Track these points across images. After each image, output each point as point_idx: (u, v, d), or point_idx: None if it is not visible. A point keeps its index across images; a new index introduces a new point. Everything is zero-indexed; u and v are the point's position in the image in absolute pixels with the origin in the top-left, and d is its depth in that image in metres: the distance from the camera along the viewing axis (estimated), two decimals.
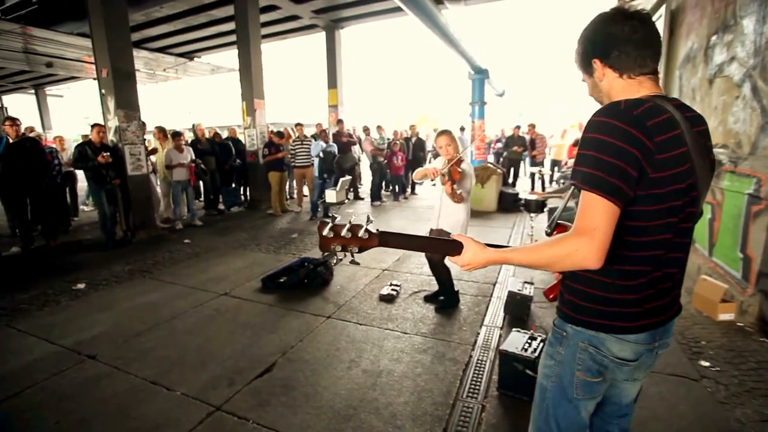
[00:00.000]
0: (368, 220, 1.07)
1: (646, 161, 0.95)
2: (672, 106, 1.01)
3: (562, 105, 25.58)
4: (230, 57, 13.20)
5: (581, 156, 1.01)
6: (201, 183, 7.78)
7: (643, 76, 1.04)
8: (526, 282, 3.22)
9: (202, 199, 8.13)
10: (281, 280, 3.67)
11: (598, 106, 1.04)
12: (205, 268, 4.27)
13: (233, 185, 8.12)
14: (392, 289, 3.48)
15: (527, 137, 9.75)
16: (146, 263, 4.46)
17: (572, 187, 1.10)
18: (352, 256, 1.04)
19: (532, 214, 4.53)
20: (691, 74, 3.63)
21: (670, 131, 0.97)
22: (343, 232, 1.01)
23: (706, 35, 3.34)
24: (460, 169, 2.87)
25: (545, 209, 4.67)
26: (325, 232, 1.00)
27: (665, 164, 0.96)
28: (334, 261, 1.14)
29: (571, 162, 8.30)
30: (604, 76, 1.06)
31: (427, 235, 3.03)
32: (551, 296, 1.26)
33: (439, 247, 1.09)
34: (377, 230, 1.05)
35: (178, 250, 4.94)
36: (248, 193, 8.44)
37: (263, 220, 6.85)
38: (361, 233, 1.02)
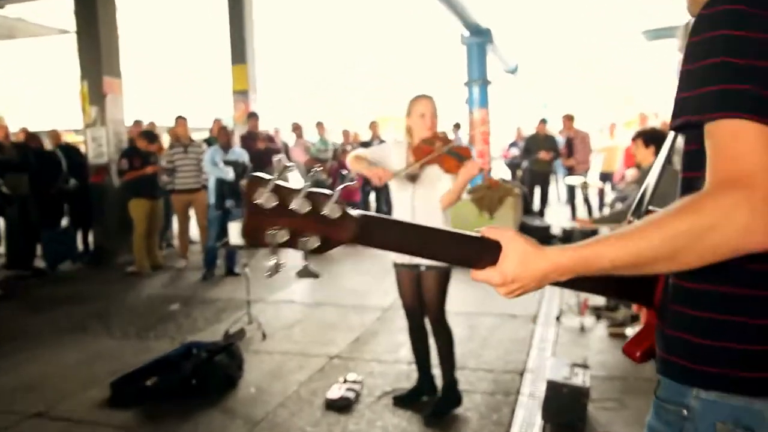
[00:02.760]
0: (335, 200, 0.92)
1: None
2: None
3: (609, 90, 27.44)
4: (60, 9, 12.81)
5: (690, 74, 1.00)
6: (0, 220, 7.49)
7: None
8: (576, 365, 3.27)
9: (1, 248, 7.90)
10: (148, 384, 3.63)
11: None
12: (7, 371, 4.20)
13: (63, 224, 7.95)
14: (348, 390, 3.52)
15: (560, 138, 10.23)
16: None
17: (639, 204, 1.08)
18: (306, 255, 0.93)
19: None
20: None
21: None
22: (295, 203, 0.88)
23: None
24: (454, 156, 3.00)
25: None
26: (261, 197, 0.86)
27: None
28: (269, 272, 1.02)
29: (631, 174, 8.70)
30: None
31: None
32: (639, 353, 1.22)
33: (458, 251, 1.02)
34: (356, 211, 0.94)
35: None
36: (91, 238, 8.28)
37: (119, 285, 6.77)
38: (327, 209, 0.89)
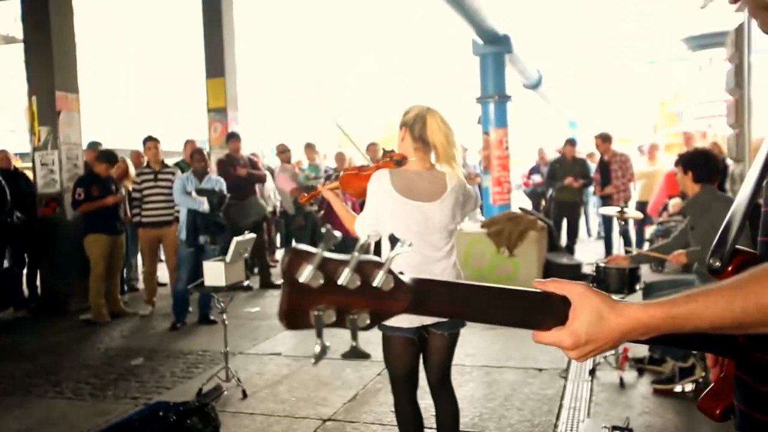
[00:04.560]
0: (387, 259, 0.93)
1: None
2: None
3: (648, 108, 27.72)
4: (4, 13, 12.94)
5: None
6: None
7: None
8: (616, 428, 3.22)
9: None
10: None
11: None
12: None
13: (6, 264, 7.92)
14: None
15: (590, 164, 10.29)
16: None
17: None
18: (354, 336, 0.93)
19: (615, 297, 4.71)
20: None
21: None
22: (343, 278, 0.89)
23: None
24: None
25: (638, 286, 4.82)
26: (306, 275, 0.87)
27: None
28: (313, 358, 1.01)
29: (674, 204, 8.74)
30: None
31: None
32: (719, 410, 1.24)
33: (522, 311, 1.05)
34: (409, 277, 0.97)
35: None
36: (39, 281, 8.25)
37: (71, 335, 6.74)
38: (378, 280, 0.91)
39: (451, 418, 3.14)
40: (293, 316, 0.88)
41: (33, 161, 8.11)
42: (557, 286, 1.04)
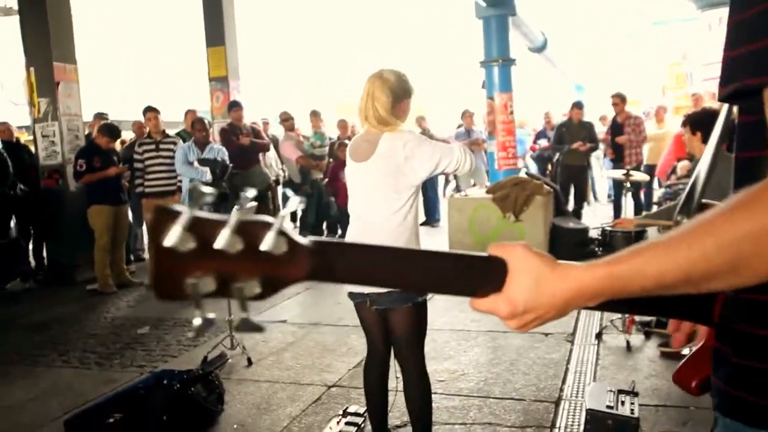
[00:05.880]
0: (281, 218, 0.84)
1: None
2: None
3: (656, 70, 27.37)
4: None
5: (743, 26, 0.93)
6: None
7: None
8: (622, 392, 3.24)
9: None
10: (110, 421, 3.57)
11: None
12: None
13: (12, 236, 8.00)
14: (348, 425, 3.52)
15: (599, 126, 10.19)
16: None
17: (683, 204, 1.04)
18: (244, 305, 0.82)
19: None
20: None
21: None
22: (221, 241, 0.77)
23: None
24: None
25: None
26: (173, 238, 0.75)
27: None
28: (194, 332, 0.83)
29: (682, 166, 8.65)
30: None
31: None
32: (695, 382, 1.15)
33: (449, 277, 0.93)
34: (308, 239, 0.84)
35: None
36: (45, 252, 8.33)
37: (77, 306, 6.80)
38: (267, 243, 0.80)
39: (421, 401, 3.05)
40: (164, 285, 0.77)
41: (33, 133, 8.13)
42: (496, 248, 0.94)
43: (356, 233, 2.97)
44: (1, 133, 8.47)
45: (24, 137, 10.47)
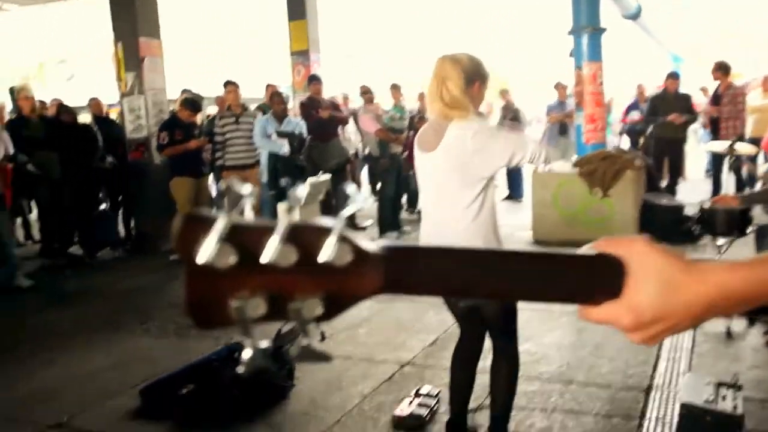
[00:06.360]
0: (345, 222, 0.66)
1: None
2: None
3: (761, 38, 25.72)
4: None
5: None
6: (30, 204, 7.90)
7: None
8: (722, 384, 3.07)
9: (36, 237, 8.29)
10: (184, 392, 3.65)
11: None
12: (26, 374, 4.33)
13: (102, 207, 8.29)
14: (420, 406, 3.51)
15: (700, 98, 9.66)
16: None
17: None
18: (304, 329, 0.67)
19: (722, 241, 4.40)
20: None
21: None
22: (268, 253, 0.63)
23: None
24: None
25: (749, 229, 4.44)
26: (207, 253, 0.60)
27: None
28: (245, 369, 0.62)
29: None
30: None
31: None
32: None
33: (553, 283, 0.78)
34: (376, 244, 0.69)
35: None
36: (132, 223, 8.61)
37: (161, 275, 6.95)
38: (326, 253, 0.65)
39: (507, 379, 3.09)
40: (203, 312, 0.62)
41: (121, 107, 8.44)
42: (608, 245, 0.79)
43: (426, 236, 2.88)
44: (93, 107, 8.82)
45: (114, 113, 10.90)
